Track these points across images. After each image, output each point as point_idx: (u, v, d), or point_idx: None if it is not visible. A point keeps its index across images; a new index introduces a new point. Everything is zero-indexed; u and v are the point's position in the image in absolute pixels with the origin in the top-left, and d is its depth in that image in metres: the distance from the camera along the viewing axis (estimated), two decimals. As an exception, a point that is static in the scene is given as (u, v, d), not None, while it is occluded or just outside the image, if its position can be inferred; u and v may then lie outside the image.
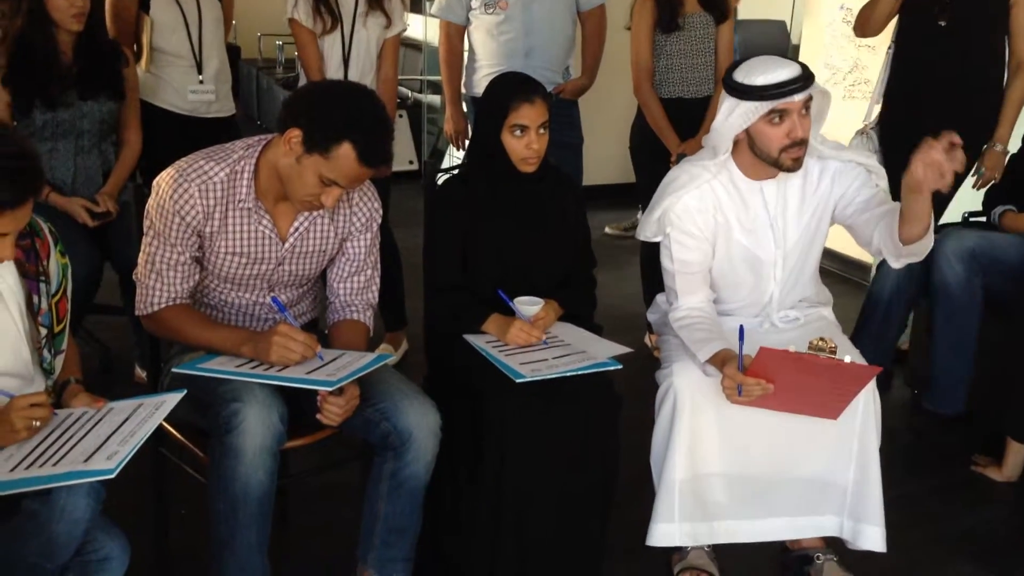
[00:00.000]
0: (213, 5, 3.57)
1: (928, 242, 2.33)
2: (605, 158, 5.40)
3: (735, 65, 2.39)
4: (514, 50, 3.61)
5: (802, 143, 2.35)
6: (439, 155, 6.34)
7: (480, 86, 3.65)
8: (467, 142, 3.83)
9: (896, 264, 2.43)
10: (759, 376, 2.22)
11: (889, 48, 3.58)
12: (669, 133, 3.62)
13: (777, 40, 5.99)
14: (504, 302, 2.45)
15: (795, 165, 2.38)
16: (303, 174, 2.08)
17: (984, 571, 2.71)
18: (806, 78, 2.31)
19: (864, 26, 3.55)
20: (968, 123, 3.34)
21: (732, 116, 2.36)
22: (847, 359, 2.23)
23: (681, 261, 2.49)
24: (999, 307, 3.14)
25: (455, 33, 3.77)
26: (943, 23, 3.32)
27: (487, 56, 3.69)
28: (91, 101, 3.14)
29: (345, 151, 2.03)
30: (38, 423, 1.82)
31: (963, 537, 2.86)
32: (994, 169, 3.42)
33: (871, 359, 3.11)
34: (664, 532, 2.46)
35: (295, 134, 2.06)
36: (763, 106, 2.31)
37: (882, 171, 2.51)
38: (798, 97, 2.31)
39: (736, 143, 2.43)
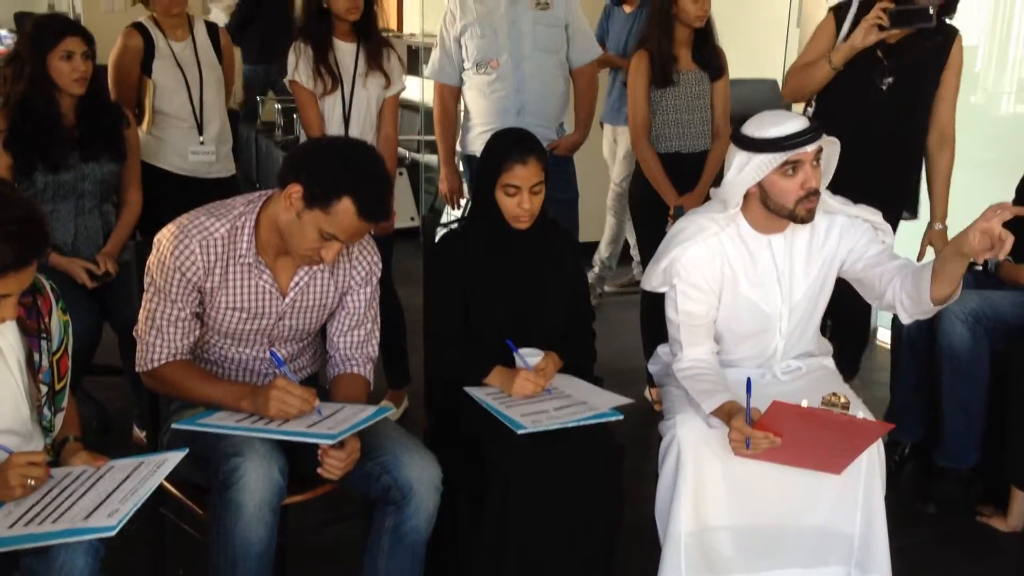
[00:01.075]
0: (214, 68, 3.63)
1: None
2: (599, 214, 5.43)
3: (741, 121, 2.42)
4: (506, 108, 3.66)
5: (816, 193, 2.38)
6: (437, 214, 6.38)
7: (474, 144, 3.70)
8: (462, 201, 3.87)
9: (907, 320, 2.44)
10: (768, 430, 2.21)
11: (808, 107, 3.46)
12: (667, 187, 3.65)
13: (769, 98, 6.06)
14: (506, 352, 2.45)
15: (809, 216, 2.40)
16: (303, 229, 2.10)
17: (992, 622, 2.69)
18: (816, 129, 2.34)
19: (797, 91, 3.41)
20: (894, 190, 3.34)
21: (745, 170, 2.37)
22: (859, 415, 2.22)
23: (686, 313, 2.49)
24: (997, 356, 3.14)
25: (449, 94, 3.83)
26: (884, 86, 3.23)
27: (480, 115, 3.74)
28: (92, 163, 3.17)
29: (345, 206, 2.05)
30: (33, 482, 1.81)
31: (970, 588, 2.84)
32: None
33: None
34: None
35: (296, 189, 2.08)
36: (777, 158, 2.33)
37: (888, 227, 2.53)
38: (811, 147, 2.34)
39: (746, 198, 2.44)
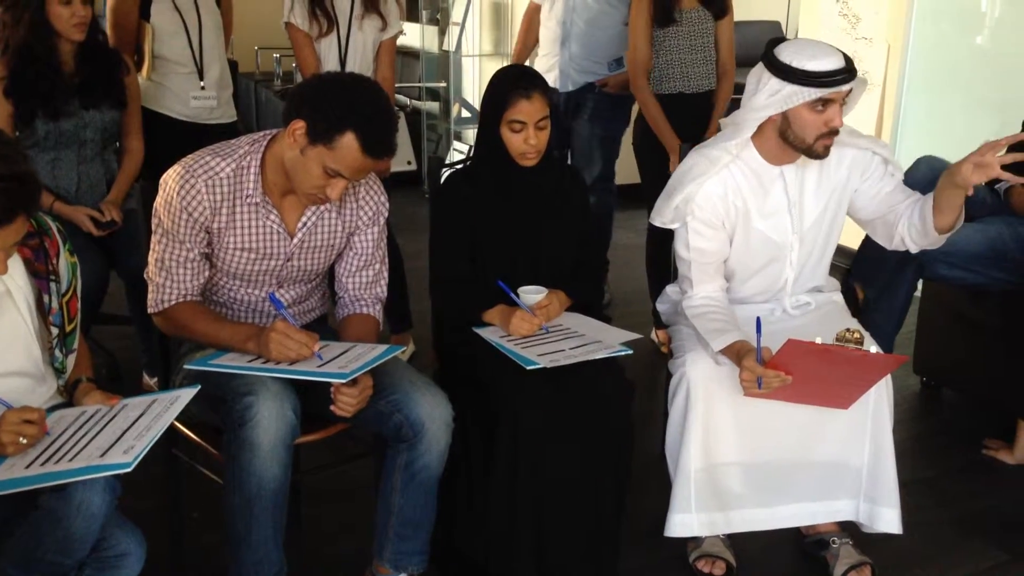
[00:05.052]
0: (212, 12, 3.58)
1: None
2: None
3: (774, 43, 2.37)
4: (555, 38, 3.87)
5: (836, 132, 2.36)
6: (439, 162, 6.35)
7: (537, 67, 3.87)
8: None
9: (914, 249, 2.51)
10: (779, 368, 2.21)
11: None
12: (667, 131, 3.61)
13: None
14: (505, 293, 2.45)
15: (825, 153, 2.38)
16: (308, 166, 2.08)
17: (996, 551, 2.71)
18: (852, 69, 2.31)
19: None
20: None
21: (777, 96, 2.32)
22: (872, 350, 2.22)
23: (697, 250, 2.48)
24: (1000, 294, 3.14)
25: (534, 10, 4.13)
26: None
27: (542, 43, 4.01)
28: (93, 110, 3.14)
29: (348, 141, 2.04)
30: (25, 440, 1.78)
31: (976, 519, 2.86)
32: None
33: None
34: (681, 523, 2.45)
35: (299, 125, 2.06)
36: (812, 92, 2.29)
37: (896, 161, 2.53)
38: (846, 87, 2.31)
39: (762, 125, 2.41)
